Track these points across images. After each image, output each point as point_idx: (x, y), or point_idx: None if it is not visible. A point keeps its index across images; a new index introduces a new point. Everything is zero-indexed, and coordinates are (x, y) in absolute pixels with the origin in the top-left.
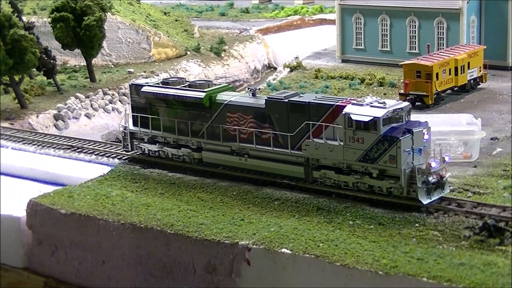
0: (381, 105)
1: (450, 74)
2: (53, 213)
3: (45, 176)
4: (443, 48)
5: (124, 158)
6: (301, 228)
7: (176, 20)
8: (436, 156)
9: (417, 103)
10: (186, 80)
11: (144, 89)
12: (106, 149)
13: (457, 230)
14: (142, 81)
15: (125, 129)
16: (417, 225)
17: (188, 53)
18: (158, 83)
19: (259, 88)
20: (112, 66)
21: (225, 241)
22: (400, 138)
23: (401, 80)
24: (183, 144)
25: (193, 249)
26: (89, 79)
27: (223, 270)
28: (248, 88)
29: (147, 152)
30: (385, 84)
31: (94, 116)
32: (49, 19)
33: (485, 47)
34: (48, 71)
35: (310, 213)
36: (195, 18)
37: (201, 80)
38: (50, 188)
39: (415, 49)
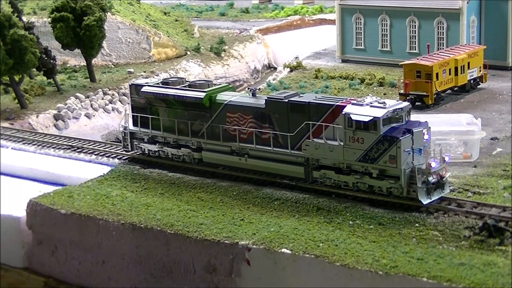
0: (381, 105)
1: (450, 74)
2: (53, 213)
3: (45, 176)
4: (443, 48)
5: (124, 158)
6: (301, 228)
7: (176, 20)
8: (436, 156)
9: (417, 103)
10: (186, 80)
11: (144, 89)
12: (106, 149)
13: (457, 230)
14: (142, 81)
15: (125, 129)
16: (417, 225)
17: (188, 53)
18: (158, 83)
19: (259, 88)
20: (112, 66)
21: (225, 241)
22: (400, 138)
23: (401, 80)
24: (183, 144)
25: (193, 249)
26: (89, 79)
27: (223, 270)
28: (248, 88)
29: (147, 152)
30: (385, 84)
31: (94, 116)
32: (49, 19)
33: (485, 47)
34: (48, 71)
35: (310, 213)
36: (195, 18)
37: (201, 80)
38: (50, 188)
39: (415, 49)
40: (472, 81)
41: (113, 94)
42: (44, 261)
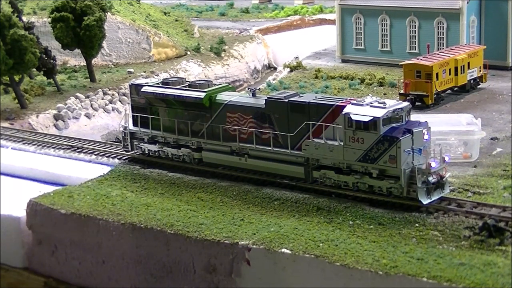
0: (381, 105)
1: (450, 74)
2: (53, 213)
3: (45, 176)
4: (443, 48)
5: (124, 158)
6: (301, 228)
7: (176, 20)
8: (436, 156)
9: (417, 103)
10: (186, 80)
11: (144, 89)
12: (106, 149)
13: (457, 230)
14: (142, 81)
15: (125, 129)
16: (417, 225)
17: (188, 53)
18: (158, 83)
19: (259, 88)
20: (112, 66)
21: (225, 241)
22: (400, 138)
23: (401, 80)
24: (183, 144)
25: (193, 249)
26: (89, 79)
27: (223, 270)
28: (248, 88)
29: (147, 152)
30: (385, 84)
31: (94, 116)
32: (49, 19)
33: (485, 47)
34: (48, 71)
35: (310, 213)
36: (195, 18)
37: (201, 80)
38: (50, 188)
39: (415, 49)
40: (472, 81)
41: (113, 94)
42: (44, 261)
